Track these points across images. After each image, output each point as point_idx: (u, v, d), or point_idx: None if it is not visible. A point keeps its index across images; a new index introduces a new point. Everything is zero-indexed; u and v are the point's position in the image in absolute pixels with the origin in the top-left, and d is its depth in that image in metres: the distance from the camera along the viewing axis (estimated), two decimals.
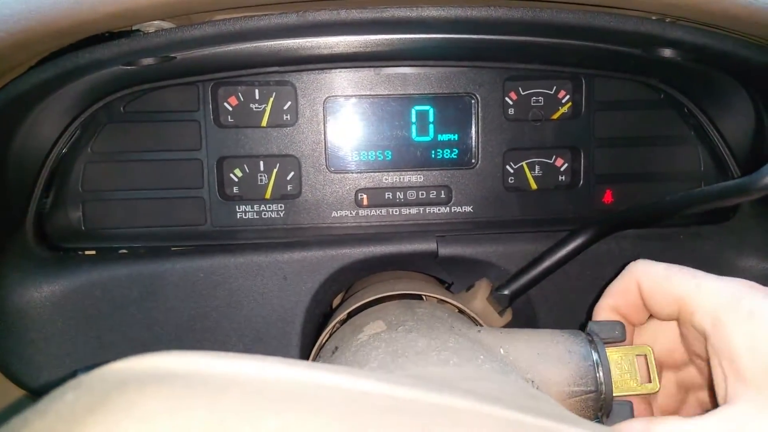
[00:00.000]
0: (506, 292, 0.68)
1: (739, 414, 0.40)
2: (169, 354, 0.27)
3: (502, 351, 0.50)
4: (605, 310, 0.53)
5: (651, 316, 0.52)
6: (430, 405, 0.25)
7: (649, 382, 0.50)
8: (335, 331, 0.61)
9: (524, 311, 0.73)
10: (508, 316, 0.70)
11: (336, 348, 0.55)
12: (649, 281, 0.50)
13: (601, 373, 0.49)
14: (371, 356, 0.48)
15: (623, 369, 0.50)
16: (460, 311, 0.65)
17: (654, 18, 0.59)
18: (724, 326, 0.43)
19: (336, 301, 0.79)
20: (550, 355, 0.50)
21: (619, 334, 0.51)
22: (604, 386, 0.48)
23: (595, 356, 0.49)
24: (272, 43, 0.62)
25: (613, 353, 0.50)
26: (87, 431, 0.21)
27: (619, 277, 0.53)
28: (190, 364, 0.27)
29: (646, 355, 0.50)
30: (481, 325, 0.61)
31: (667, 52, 0.63)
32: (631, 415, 0.49)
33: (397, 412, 0.24)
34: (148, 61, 0.59)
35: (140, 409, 0.23)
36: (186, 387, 0.25)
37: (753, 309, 0.42)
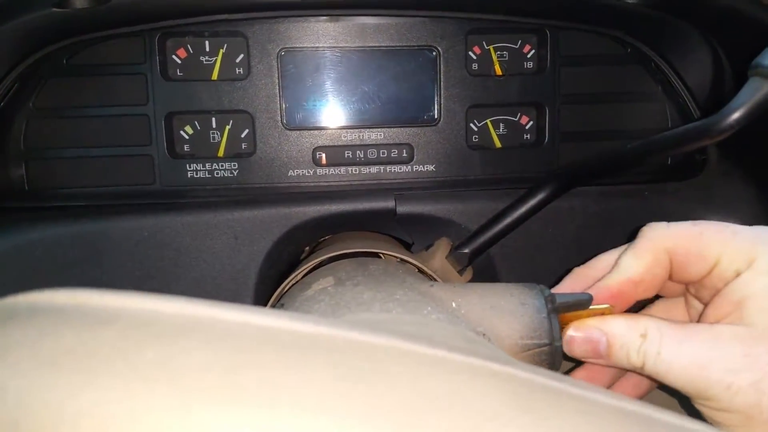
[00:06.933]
0: (466, 250, 0.66)
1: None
2: (53, 291, 0.25)
3: (453, 305, 0.48)
4: (619, 284, 0.47)
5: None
6: (336, 339, 0.23)
7: None
8: (286, 290, 0.59)
9: (486, 270, 0.71)
10: (468, 275, 0.68)
11: (282, 305, 0.53)
12: (682, 245, 0.45)
13: (554, 325, 0.47)
14: (313, 309, 0.45)
15: None
16: (420, 270, 0.62)
17: None
18: (754, 270, 0.41)
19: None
20: (502, 308, 0.48)
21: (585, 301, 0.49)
22: (557, 338, 0.46)
23: (550, 308, 0.47)
24: None
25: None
26: None
27: (633, 247, 0.46)
28: (73, 299, 0.24)
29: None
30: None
31: None
32: None
33: (289, 344, 0.22)
34: (81, 2, 0.55)
35: None
36: (62, 319, 0.22)
37: None
